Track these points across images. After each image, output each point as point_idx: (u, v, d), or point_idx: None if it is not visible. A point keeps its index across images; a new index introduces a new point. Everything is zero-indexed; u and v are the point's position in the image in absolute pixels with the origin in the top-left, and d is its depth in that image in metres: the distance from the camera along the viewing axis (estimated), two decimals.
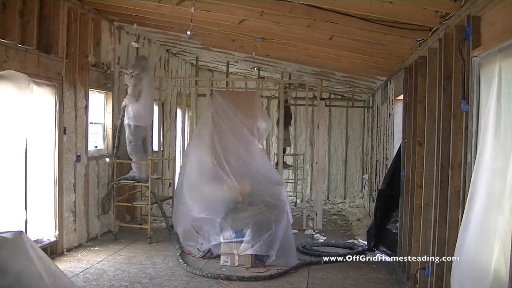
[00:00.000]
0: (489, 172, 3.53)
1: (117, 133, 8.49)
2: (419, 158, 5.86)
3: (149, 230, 8.03)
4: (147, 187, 8.23)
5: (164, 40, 10.31)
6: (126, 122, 8.37)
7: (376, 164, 10.46)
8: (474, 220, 3.61)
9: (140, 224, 9.00)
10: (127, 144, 8.42)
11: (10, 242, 3.22)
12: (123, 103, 8.47)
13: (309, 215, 9.89)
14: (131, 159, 8.47)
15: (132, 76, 8.36)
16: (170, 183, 11.08)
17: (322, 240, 8.60)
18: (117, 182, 8.27)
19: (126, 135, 8.39)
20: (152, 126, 10.55)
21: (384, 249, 7.52)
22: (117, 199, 8.37)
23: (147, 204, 8.26)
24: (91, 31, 7.87)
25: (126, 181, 8.33)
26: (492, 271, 3.34)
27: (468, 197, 3.77)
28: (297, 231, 8.90)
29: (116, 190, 8.33)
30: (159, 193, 10.18)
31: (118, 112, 8.61)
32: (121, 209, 8.73)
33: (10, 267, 3.17)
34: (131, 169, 8.51)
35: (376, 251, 7.65)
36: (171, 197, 9.34)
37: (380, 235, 7.68)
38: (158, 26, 8.60)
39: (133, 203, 8.59)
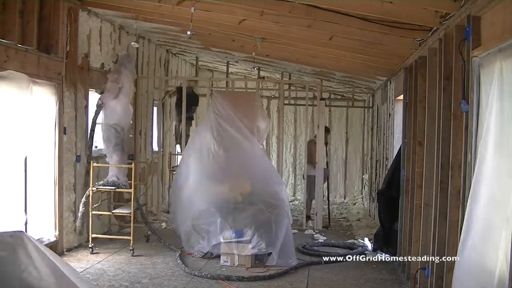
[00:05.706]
0: (492, 171, 3.52)
1: (90, 133, 7.74)
2: (419, 158, 5.86)
3: (131, 242, 7.22)
4: (130, 193, 7.39)
5: (164, 40, 10.30)
6: (105, 121, 7.71)
7: (376, 164, 10.45)
8: (477, 220, 3.60)
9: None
10: (104, 145, 7.75)
11: (10, 242, 3.21)
12: (98, 101, 7.78)
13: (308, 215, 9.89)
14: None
15: (111, 71, 7.86)
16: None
17: (322, 240, 8.60)
18: (93, 189, 7.33)
19: (106, 136, 7.70)
20: (151, 126, 10.60)
21: (392, 250, 7.31)
22: (93, 206, 7.30)
23: (130, 212, 7.42)
24: (91, 30, 7.87)
25: (104, 187, 7.47)
26: (497, 274, 3.31)
27: (469, 196, 3.76)
28: (297, 231, 8.90)
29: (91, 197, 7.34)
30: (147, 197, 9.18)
31: None
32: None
33: (11, 267, 3.17)
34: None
35: (381, 253, 7.54)
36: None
37: (387, 237, 7.49)
38: (158, 26, 8.59)
39: (113, 211, 7.79)
